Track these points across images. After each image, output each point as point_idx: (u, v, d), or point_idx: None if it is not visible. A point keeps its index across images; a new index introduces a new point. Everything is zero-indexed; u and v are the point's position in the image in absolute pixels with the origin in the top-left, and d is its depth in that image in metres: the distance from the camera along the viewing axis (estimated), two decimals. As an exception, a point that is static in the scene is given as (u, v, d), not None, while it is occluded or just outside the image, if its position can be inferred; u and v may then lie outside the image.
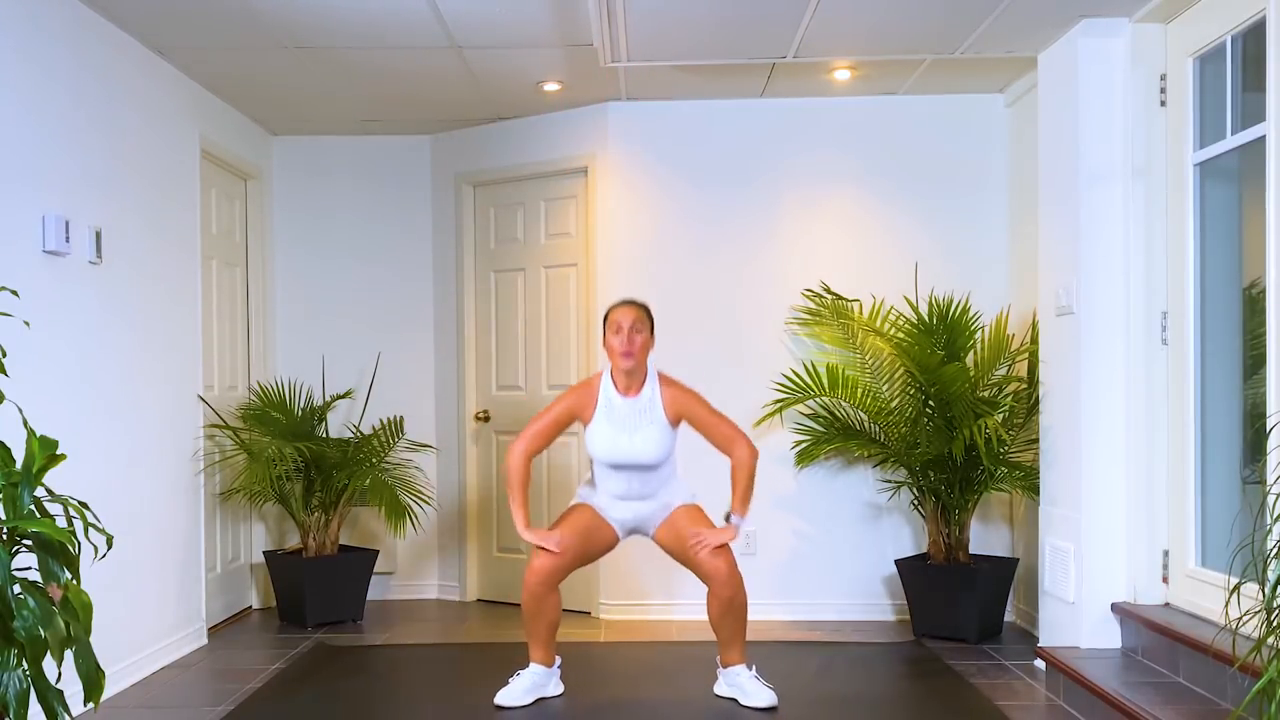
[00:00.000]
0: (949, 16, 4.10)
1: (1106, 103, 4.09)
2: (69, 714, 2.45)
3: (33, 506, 2.44)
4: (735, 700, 3.90)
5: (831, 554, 5.33)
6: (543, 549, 3.77)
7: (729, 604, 3.78)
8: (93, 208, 3.99)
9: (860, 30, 4.28)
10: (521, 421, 5.74)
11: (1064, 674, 3.85)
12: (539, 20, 4.20)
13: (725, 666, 3.93)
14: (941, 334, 4.93)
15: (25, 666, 2.35)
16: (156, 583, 4.46)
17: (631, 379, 3.83)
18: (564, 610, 5.47)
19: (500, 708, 3.84)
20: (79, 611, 2.43)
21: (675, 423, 3.84)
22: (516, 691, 3.88)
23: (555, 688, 4.01)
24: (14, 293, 2.70)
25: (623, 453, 3.78)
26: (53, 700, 2.41)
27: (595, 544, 3.91)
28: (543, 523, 5.62)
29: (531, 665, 3.94)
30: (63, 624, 2.38)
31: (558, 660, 4.03)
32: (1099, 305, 4.10)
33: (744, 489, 3.79)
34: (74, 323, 3.86)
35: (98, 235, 4.00)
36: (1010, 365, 4.90)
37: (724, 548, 3.77)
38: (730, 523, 3.79)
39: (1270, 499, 2.40)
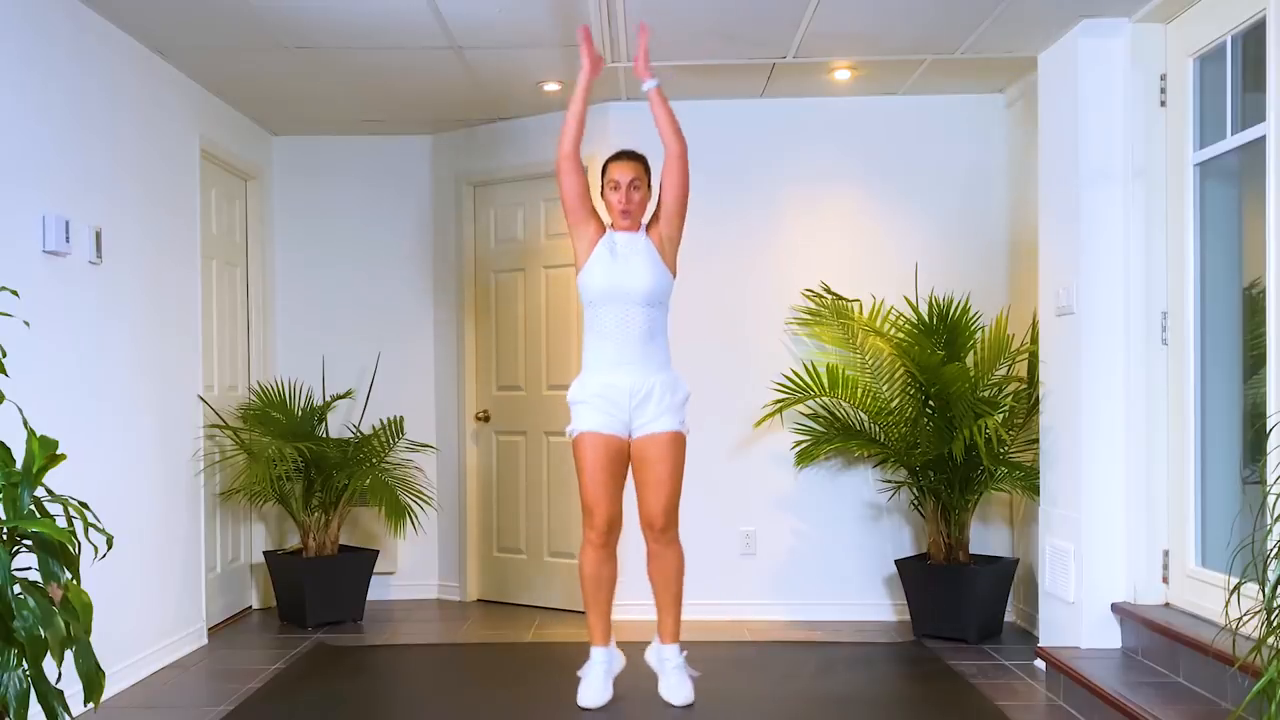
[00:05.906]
0: (949, 17, 4.10)
1: (1106, 103, 4.09)
2: (69, 714, 2.45)
3: (33, 506, 2.44)
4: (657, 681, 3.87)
5: (831, 554, 5.33)
6: (588, 494, 3.77)
7: (663, 566, 3.81)
8: (93, 208, 3.99)
9: (860, 30, 4.28)
10: (521, 421, 5.76)
11: (1064, 674, 3.85)
12: (539, 20, 4.20)
13: (661, 642, 3.89)
14: (941, 334, 4.94)
15: (25, 666, 2.35)
16: (156, 583, 4.46)
17: (628, 221, 3.89)
18: (561, 610, 5.51)
19: (587, 709, 3.77)
20: (79, 611, 2.43)
21: (659, 244, 3.85)
22: (596, 687, 3.81)
23: (620, 663, 3.95)
24: (14, 293, 2.71)
25: (619, 278, 3.80)
26: (53, 700, 2.41)
27: (620, 466, 3.84)
28: (542, 526, 5.65)
29: (593, 653, 3.86)
30: (63, 624, 2.38)
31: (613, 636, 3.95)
32: (1099, 305, 4.10)
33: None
34: (74, 323, 3.86)
35: (98, 235, 4.00)
36: (1010, 365, 4.90)
37: (669, 496, 3.77)
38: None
39: (1270, 499, 2.40)
